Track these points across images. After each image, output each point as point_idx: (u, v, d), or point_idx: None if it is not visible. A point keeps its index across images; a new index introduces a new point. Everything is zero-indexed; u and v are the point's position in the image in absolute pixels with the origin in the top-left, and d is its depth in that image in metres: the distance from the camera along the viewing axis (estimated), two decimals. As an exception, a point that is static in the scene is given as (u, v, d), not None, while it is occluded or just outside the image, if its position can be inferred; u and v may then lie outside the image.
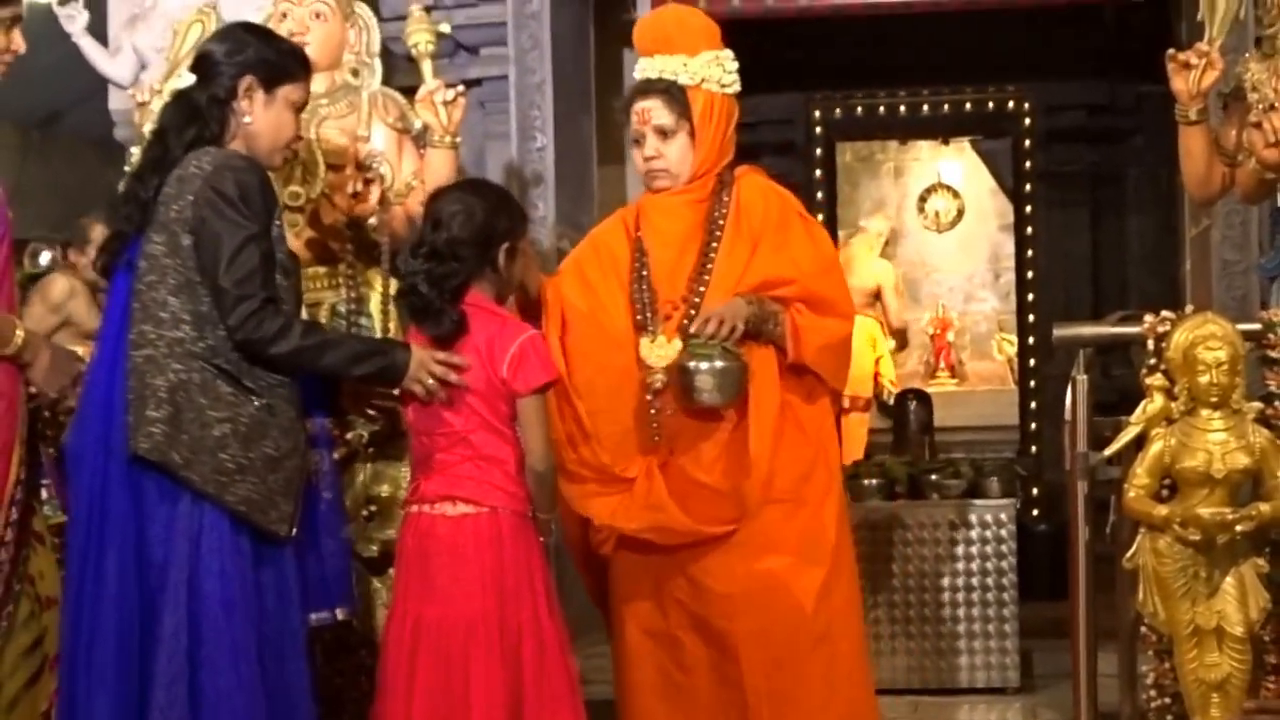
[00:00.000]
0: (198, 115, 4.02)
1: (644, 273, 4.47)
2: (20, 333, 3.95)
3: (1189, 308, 4.53)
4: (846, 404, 10.32)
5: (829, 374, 4.44)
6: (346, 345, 4.18)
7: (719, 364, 4.26)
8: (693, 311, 4.37)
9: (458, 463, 4.12)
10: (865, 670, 4.52)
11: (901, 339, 11.63)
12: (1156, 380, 4.27)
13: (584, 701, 4.24)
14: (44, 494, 4.23)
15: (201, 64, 4.12)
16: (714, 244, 4.46)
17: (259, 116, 4.04)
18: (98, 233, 6.64)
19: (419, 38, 5.28)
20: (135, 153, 5.02)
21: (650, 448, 4.39)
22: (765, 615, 4.33)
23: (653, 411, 4.39)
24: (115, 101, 7.11)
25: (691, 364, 4.27)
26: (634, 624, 4.47)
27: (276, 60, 4.11)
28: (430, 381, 4.08)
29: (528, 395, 4.11)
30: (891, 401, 10.78)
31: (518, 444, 4.13)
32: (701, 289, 4.40)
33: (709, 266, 4.43)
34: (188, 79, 4.19)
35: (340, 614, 4.25)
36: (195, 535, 3.83)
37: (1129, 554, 4.27)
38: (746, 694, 4.32)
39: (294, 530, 3.97)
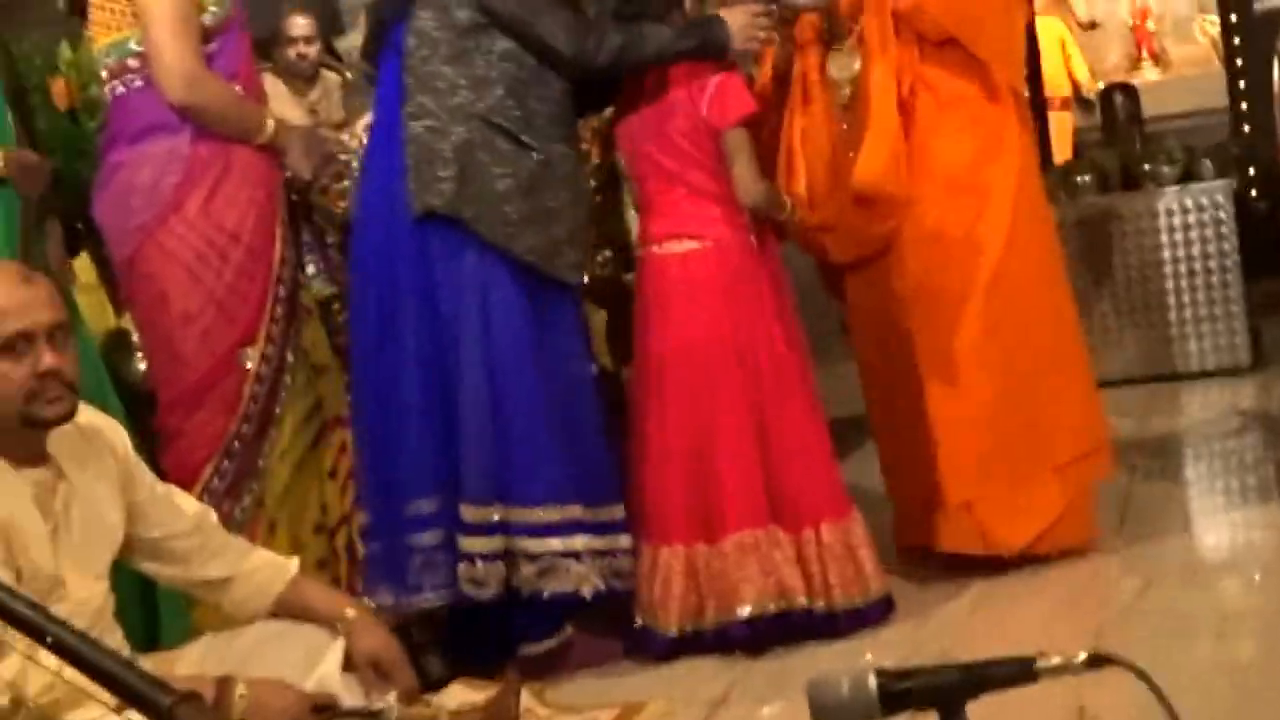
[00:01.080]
0: None
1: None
2: (271, 121, 4.12)
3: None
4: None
5: (952, 24, 4.39)
6: (657, 33, 4.21)
7: None
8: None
9: (678, 201, 4.28)
10: (1062, 358, 4.51)
11: (1089, 46, 11.43)
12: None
13: (825, 418, 4.42)
14: (311, 269, 4.44)
15: None
16: None
17: None
18: (299, 28, 6.75)
19: None
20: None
21: (846, 165, 4.45)
22: (930, 306, 4.41)
23: (844, 127, 4.48)
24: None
25: None
26: (857, 318, 4.68)
27: None
28: (761, 35, 4.23)
29: (728, 129, 4.23)
30: (1093, 98, 10.68)
31: (729, 178, 4.26)
32: None
33: None
34: None
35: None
36: (484, 288, 4.01)
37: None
38: (924, 386, 4.42)
39: (584, 276, 4.16)
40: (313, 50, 6.79)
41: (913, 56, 4.43)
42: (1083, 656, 1.64)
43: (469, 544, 3.99)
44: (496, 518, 3.99)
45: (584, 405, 4.21)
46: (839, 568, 4.19)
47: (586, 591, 4.07)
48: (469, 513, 3.99)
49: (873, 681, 1.62)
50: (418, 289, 4.04)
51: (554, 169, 4.09)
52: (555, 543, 4.02)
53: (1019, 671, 1.64)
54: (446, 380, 4.02)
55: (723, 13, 4.24)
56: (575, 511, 4.06)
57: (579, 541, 4.05)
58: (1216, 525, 4.97)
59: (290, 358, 4.12)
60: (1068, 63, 11.07)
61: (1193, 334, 6.70)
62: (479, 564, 3.97)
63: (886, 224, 4.45)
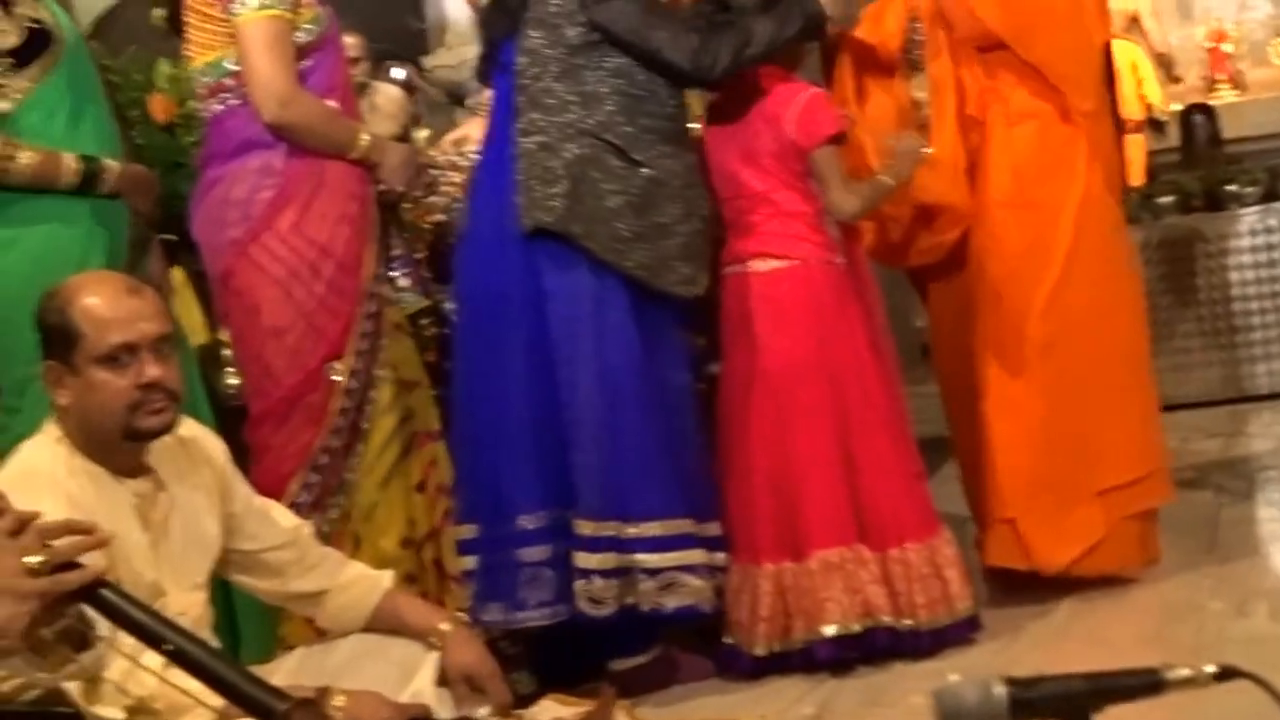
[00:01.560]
0: None
1: (915, 18, 4.52)
2: (365, 135, 4.15)
3: None
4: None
5: (1000, 26, 4.39)
6: (762, 26, 4.18)
7: None
8: None
9: (764, 221, 4.28)
10: (1116, 384, 4.48)
11: (1168, 68, 11.36)
12: None
13: (912, 438, 4.40)
14: (403, 283, 4.47)
15: None
16: None
17: None
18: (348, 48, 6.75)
19: None
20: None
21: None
22: (991, 321, 4.43)
23: (924, 151, 4.44)
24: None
25: None
26: (937, 329, 4.72)
27: None
28: None
29: (815, 149, 4.22)
30: (1166, 120, 10.61)
31: (817, 197, 4.26)
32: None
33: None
34: None
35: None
36: (597, 301, 4.03)
37: None
38: (980, 401, 4.43)
39: (697, 289, 4.16)
40: (359, 70, 6.80)
41: (977, 70, 4.45)
42: (1211, 669, 1.62)
43: (586, 560, 3.98)
44: (613, 532, 3.99)
45: (688, 419, 4.22)
46: (924, 587, 4.17)
47: (707, 606, 4.08)
48: (586, 527, 3.99)
49: (1001, 689, 1.61)
50: (527, 304, 4.06)
51: (665, 184, 4.09)
52: (673, 556, 4.02)
53: (1147, 682, 1.63)
54: (555, 394, 4.03)
55: None
56: (687, 526, 4.07)
57: (696, 555, 4.06)
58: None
59: (378, 372, 4.13)
60: (1140, 86, 11.00)
61: (1277, 354, 6.65)
62: (596, 580, 3.97)
63: (947, 235, 4.49)
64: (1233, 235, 6.74)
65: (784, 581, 4.16)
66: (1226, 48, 11.95)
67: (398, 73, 7.12)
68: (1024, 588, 4.50)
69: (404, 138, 6.19)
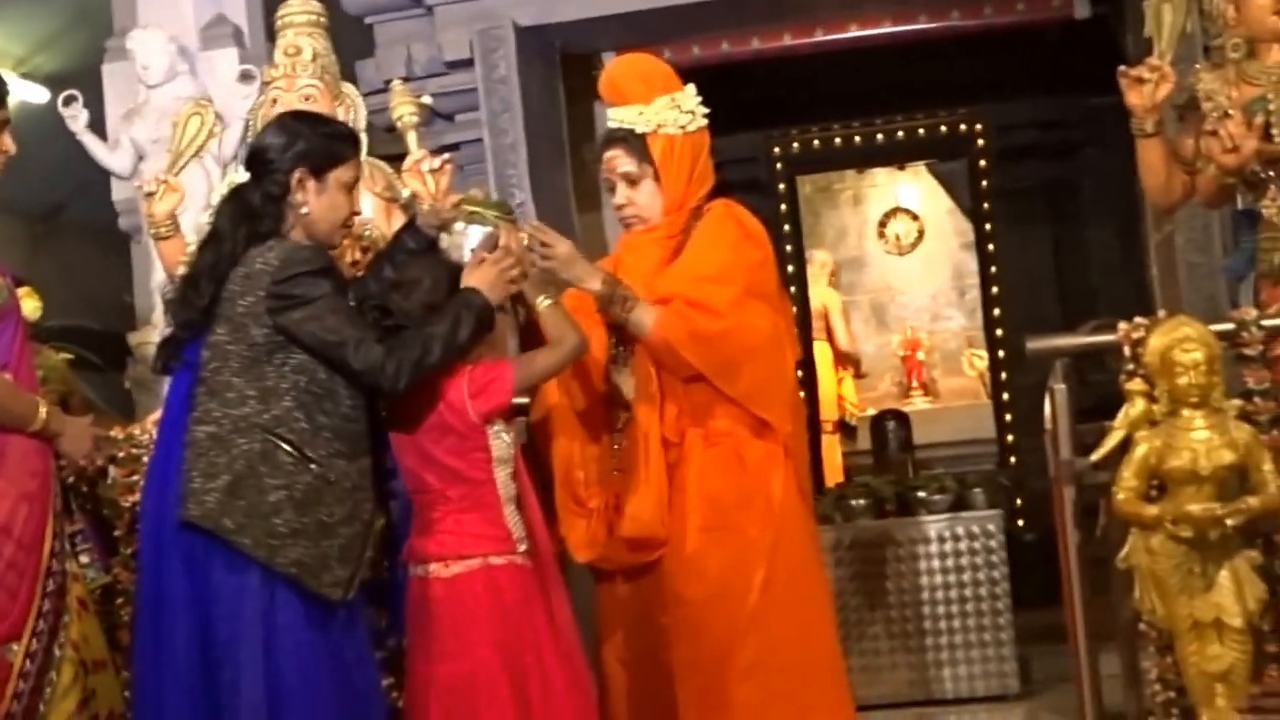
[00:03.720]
0: (254, 214, 4.11)
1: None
2: (44, 410, 4.08)
3: (1161, 312, 4.64)
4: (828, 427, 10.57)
5: (704, 366, 4.41)
6: (438, 333, 4.10)
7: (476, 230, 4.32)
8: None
9: (443, 518, 4.19)
10: (816, 701, 4.46)
11: (856, 367, 11.83)
12: (1136, 385, 4.32)
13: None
14: (85, 559, 4.35)
15: (256, 160, 4.19)
16: None
17: (314, 204, 4.14)
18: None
19: (403, 110, 5.42)
20: (143, 239, 5.09)
21: (610, 480, 4.52)
22: (691, 646, 4.38)
23: (615, 448, 4.53)
24: (118, 192, 7.21)
25: (459, 225, 4.35)
26: (609, 650, 4.57)
27: (326, 148, 4.18)
28: (514, 274, 4.20)
29: (488, 418, 4.18)
30: (855, 424, 11.01)
31: (498, 485, 4.20)
32: None
33: None
34: (243, 175, 4.29)
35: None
36: (268, 609, 3.92)
37: (1123, 554, 4.31)
38: None
39: (350, 594, 4.04)
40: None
41: (678, 392, 4.48)
42: None
43: None
44: None
45: (375, 714, 4.13)
46: None
47: None
48: None
49: None
50: (191, 600, 3.94)
51: (335, 484, 4.03)
52: None
53: None
54: (218, 699, 3.91)
55: (466, 276, 4.21)
56: None
57: None
58: None
59: (57, 653, 4.02)
60: (839, 386, 11.42)
61: (963, 659, 6.80)
62: None
63: (648, 557, 4.46)
64: (922, 540, 6.92)
65: None
66: (920, 356, 12.52)
67: None
68: None
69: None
